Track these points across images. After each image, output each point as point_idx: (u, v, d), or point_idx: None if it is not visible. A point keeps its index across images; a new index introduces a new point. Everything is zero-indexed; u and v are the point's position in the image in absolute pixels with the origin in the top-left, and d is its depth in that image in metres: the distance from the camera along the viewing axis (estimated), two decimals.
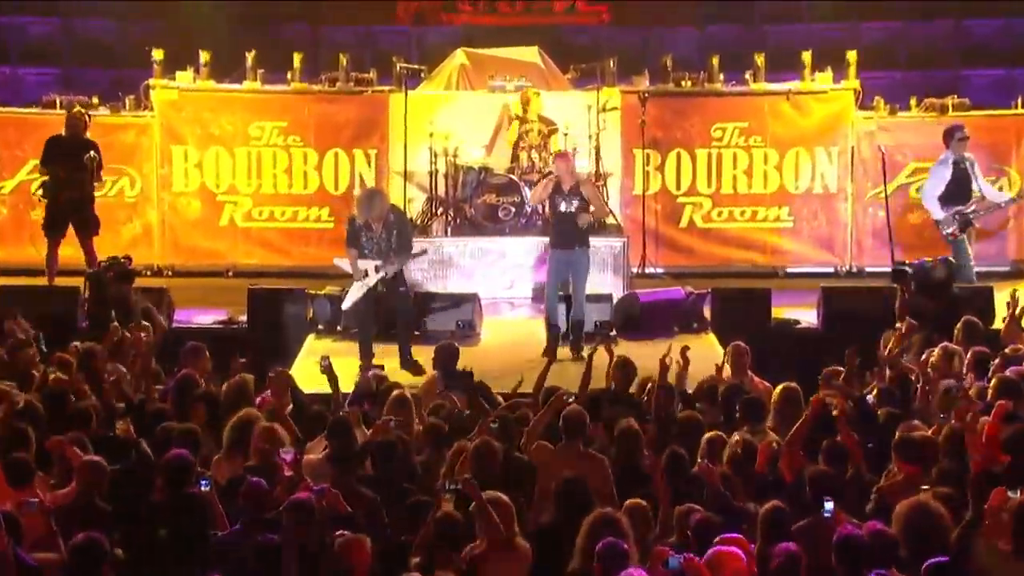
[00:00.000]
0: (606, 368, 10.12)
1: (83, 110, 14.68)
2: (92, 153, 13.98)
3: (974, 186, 13.96)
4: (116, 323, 11.20)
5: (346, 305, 12.54)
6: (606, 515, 6.75)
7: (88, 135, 14.26)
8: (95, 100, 15.99)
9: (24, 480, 7.62)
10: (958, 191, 13.87)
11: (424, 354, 11.61)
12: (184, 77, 16.07)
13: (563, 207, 12.65)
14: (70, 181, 13.91)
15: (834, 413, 8.42)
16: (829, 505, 7.04)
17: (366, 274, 12.15)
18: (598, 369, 10.09)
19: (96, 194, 14.41)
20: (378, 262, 12.13)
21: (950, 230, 13.91)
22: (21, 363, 10.15)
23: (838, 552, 6.49)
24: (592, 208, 12.72)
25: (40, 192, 14.32)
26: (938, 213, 14.04)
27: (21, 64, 18.27)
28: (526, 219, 14.70)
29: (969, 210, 13.89)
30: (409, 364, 11.92)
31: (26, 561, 6.64)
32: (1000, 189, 15.34)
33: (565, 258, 12.72)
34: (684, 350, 10.23)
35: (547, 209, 13.41)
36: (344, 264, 12.49)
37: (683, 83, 16.22)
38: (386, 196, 13.10)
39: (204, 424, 8.92)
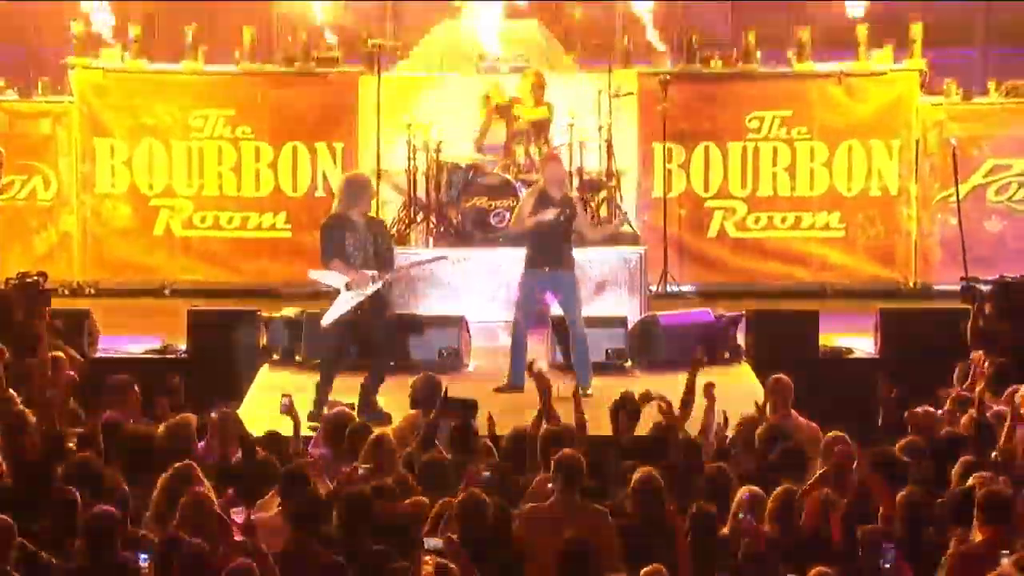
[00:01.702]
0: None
1: None
2: None
3: None
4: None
5: (328, 320, 12.30)
6: None
7: None
8: (1, 82, 16.04)
9: None
10: None
11: (401, 388, 11.61)
12: (110, 55, 16.17)
13: (551, 217, 12.66)
14: None
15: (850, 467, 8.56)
16: (891, 553, 7.15)
17: (370, 283, 12.05)
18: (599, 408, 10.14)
19: (3, 198, 14.54)
20: (373, 272, 12.12)
21: None
22: None
23: None
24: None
25: None
26: None
27: None
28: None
29: None
30: (369, 409, 11.82)
31: None
32: None
33: (548, 279, 12.74)
34: (709, 388, 10.26)
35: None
36: (322, 276, 12.32)
37: (713, 63, 16.36)
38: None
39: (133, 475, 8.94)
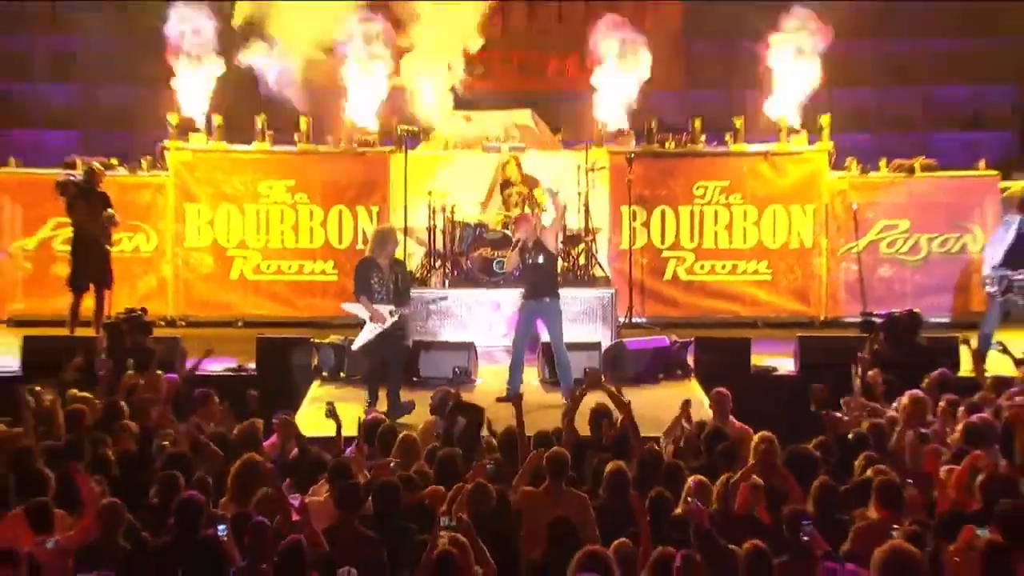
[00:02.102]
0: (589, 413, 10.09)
1: (100, 167, 14.88)
2: (111, 211, 14.31)
3: None
4: (131, 371, 11.26)
5: (356, 346, 12.45)
6: (595, 551, 6.77)
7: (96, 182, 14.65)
8: (114, 161, 16.09)
9: (44, 525, 7.60)
10: (1012, 257, 13.29)
11: (422, 400, 11.57)
12: (198, 139, 16.17)
13: (529, 260, 12.74)
14: (91, 239, 14.18)
15: (776, 460, 8.61)
16: (808, 527, 7.13)
17: (386, 316, 12.17)
18: (582, 414, 10.07)
19: (112, 248, 14.59)
20: (391, 307, 12.15)
21: (992, 289, 13.41)
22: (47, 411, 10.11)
23: None
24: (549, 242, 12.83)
25: (68, 248, 14.69)
26: (986, 268, 13.55)
27: (45, 128, 18.45)
28: (519, 272, 14.71)
29: (1017, 277, 13.24)
30: (398, 410, 11.88)
31: None
32: (964, 247, 15.48)
33: (535, 308, 12.75)
34: (686, 405, 10.22)
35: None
36: (354, 309, 12.39)
37: (667, 144, 16.33)
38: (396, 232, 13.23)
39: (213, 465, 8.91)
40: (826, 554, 7.29)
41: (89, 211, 14.51)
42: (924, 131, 18.36)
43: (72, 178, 14.85)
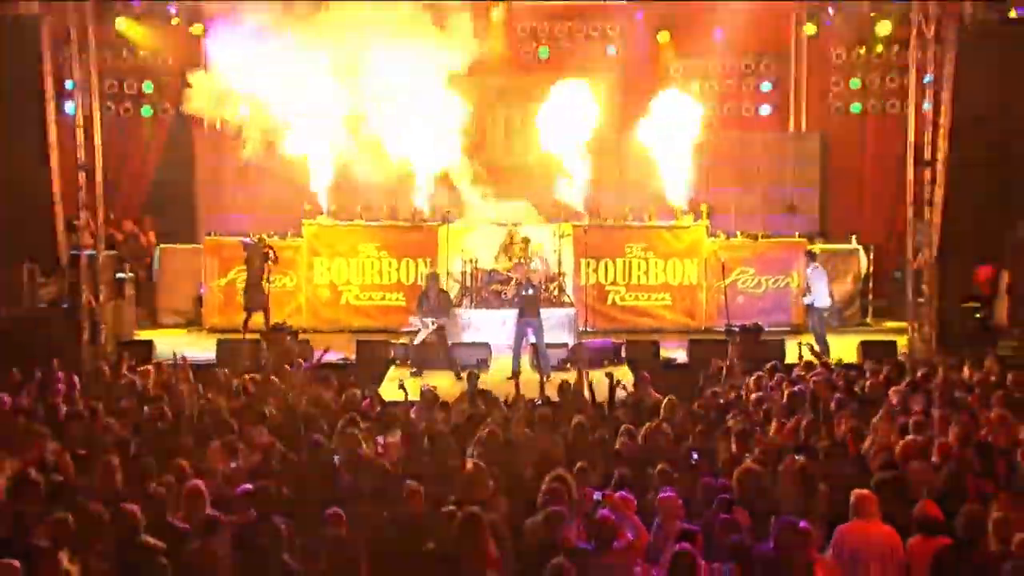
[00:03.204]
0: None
1: (264, 236, 15.00)
2: (270, 262, 14.50)
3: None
4: (279, 359, 11.31)
5: (416, 342, 13.20)
6: (561, 474, 6.78)
7: (265, 248, 14.85)
8: (272, 232, 16.15)
9: (231, 454, 7.64)
10: (811, 288, 14.34)
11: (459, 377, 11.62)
12: (322, 219, 16.22)
13: (523, 292, 12.98)
14: (257, 280, 14.36)
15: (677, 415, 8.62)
16: (695, 456, 7.11)
17: (428, 324, 12.82)
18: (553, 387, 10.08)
19: (272, 285, 14.70)
20: (432, 318, 12.67)
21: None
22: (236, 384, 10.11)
23: (703, 494, 6.49)
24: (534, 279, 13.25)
25: (243, 285, 14.86)
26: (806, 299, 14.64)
27: (232, 213, 18.47)
28: (516, 299, 14.70)
29: (805, 300, 14.35)
30: (458, 376, 12.36)
31: (225, 495, 6.74)
32: (787, 285, 15.50)
33: (527, 322, 12.90)
34: (613, 377, 10.23)
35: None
36: (416, 321, 13.15)
37: (609, 221, 16.31)
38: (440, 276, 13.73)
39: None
40: (705, 472, 7.31)
41: (257, 262, 14.71)
42: (763, 215, 18.39)
43: (248, 242, 15.02)
